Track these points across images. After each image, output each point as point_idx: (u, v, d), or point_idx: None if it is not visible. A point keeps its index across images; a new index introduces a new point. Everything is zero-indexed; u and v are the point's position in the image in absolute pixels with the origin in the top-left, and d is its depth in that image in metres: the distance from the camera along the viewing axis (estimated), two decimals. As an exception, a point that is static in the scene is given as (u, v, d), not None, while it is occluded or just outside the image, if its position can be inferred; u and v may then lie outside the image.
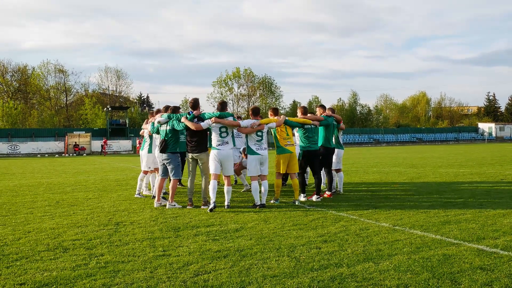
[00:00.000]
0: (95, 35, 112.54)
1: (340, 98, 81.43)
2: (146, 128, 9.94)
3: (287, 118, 9.02)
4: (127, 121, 55.20)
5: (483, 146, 48.96)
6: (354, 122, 77.25)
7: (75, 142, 46.08)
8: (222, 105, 8.80)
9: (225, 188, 8.39)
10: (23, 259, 5.07)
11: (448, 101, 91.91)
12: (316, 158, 9.25)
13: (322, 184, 9.63)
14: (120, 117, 60.65)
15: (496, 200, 8.81)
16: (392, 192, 10.39)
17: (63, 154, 44.07)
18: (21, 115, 58.97)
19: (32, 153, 44.39)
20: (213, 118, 8.28)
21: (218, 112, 8.47)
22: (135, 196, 10.07)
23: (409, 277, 4.29)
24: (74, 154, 44.23)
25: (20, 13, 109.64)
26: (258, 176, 8.62)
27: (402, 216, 7.29)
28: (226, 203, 8.30)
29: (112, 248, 5.50)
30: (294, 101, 78.96)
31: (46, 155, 42.67)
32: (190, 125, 8.34)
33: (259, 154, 8.55)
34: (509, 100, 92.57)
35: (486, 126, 74.43)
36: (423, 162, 21.29)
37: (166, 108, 9.32)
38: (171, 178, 8.67)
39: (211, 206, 8.05)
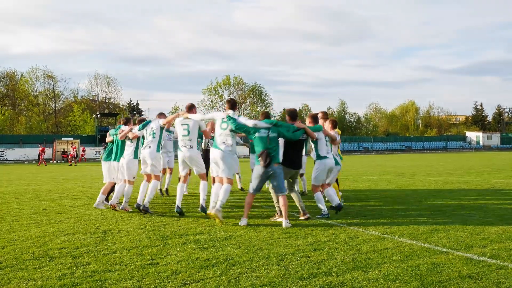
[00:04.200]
0: (86, 41, 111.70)
1: (329, 107, 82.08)
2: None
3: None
4: (116, 128, 54.83)
5: (471, 154, 49.45)
6: (344, 130, 77.73)
7: (64, 149, 45.67)
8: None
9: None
10: (7, 268, 4.97)
11: (436, 110, 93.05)
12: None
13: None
14: (109, 124, 60.24)
15: (483, 208, 8.87)
16: (381, 200, 10.42)
17: (51, 161, 43.61)
18: (8, 121, 58.33)
19: (20, 160, 43.87)
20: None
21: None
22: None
23: (398, 286, 4.28)
24: (62, 161, 43.79)
25: (11, 18, 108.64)
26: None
27: (391, 224, 7.30)
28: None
29: (99, 257, 5.43)
30: (284, 109, 79.33)
31: (34, 162, 42.13)
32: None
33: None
34: (496, 109, 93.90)
35: (473, 135, 75.34)
36: (412, 170, 21.42)
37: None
38: (280, 195, 7.42)
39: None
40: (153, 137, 8.64)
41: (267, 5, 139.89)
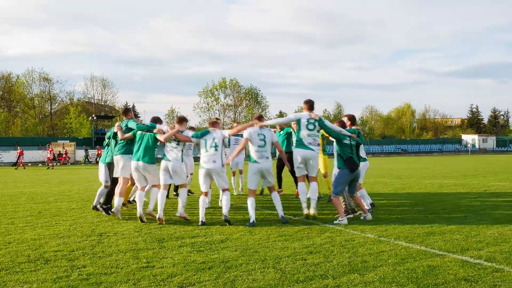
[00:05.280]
0: (82, 43, 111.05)
1: (325, 109, 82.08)
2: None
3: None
4: (112, 131, 54.64)
5: (466, 157, 49.61)
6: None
7: (59, 152, 45.51)
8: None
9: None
10: (3, 271, 4.95)
11: (432, 113, 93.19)
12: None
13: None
14: (105, 126, 60.05)
15: (479, 211, 8.90)
16: (377, 203, 10.42)
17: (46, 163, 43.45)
18: (4, 123, 58.09)
19: (15, 162, 43.62)
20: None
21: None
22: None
23: (394, 289, 4.29)
24: (58, 164, 43.61)
25: (6, 19, 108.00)
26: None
27: (387, 227, 7.32)
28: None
29: (94, 260, 5.41)
30: (280, 112, 79.41)
31: (29, 164, 41.95)
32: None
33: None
34: (491, 112, 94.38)
35: (469, 138, 75.52)
36: (408, 173, 21.47)
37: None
38: (353, 196, 8.34)
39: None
40: (216, 149, 7.95)
41: (263, 7, 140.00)
